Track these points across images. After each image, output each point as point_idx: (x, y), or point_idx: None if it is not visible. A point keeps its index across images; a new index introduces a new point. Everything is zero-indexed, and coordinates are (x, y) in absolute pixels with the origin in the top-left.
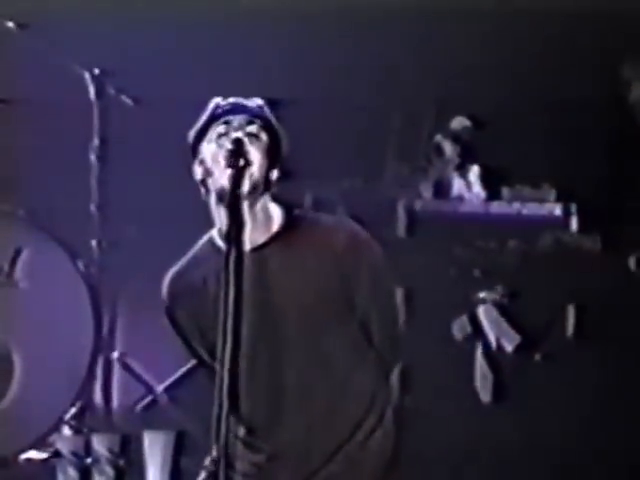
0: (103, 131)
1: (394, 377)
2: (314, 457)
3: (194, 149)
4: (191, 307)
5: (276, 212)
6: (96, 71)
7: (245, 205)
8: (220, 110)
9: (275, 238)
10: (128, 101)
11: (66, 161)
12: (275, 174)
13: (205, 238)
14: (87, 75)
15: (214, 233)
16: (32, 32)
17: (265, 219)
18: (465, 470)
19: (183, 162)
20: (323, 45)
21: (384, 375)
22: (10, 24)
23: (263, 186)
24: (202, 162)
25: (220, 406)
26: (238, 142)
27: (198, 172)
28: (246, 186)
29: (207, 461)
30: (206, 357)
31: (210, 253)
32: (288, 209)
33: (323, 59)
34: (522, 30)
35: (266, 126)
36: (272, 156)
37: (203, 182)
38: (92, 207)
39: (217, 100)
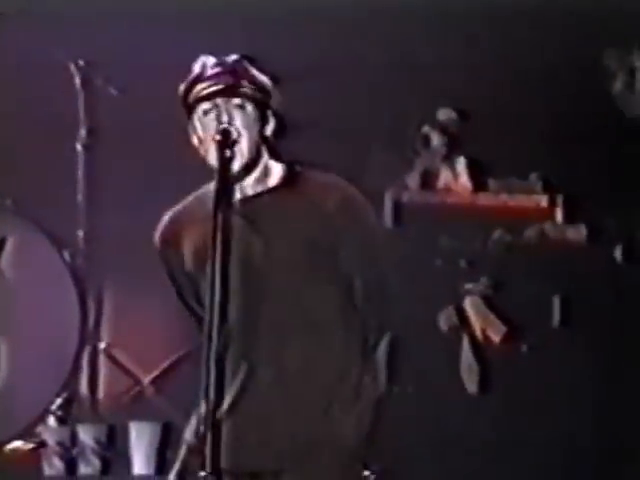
0: (89, 121)
1: (380, 365)
2: (284, 418)
3: (185, 107)
4: (183, 253)
5: (275, 169)
6: (81, 62)
7: (242, 170)
8: (205, 74)
9: (270, 191)
10: (114, 91)
11: (52, 151)
12: (270, 129)
13: (202, 190)
14: (72, 65)
15: (211, 187)
16: (17, 22)
17: (262, 175)
18: (451, 461)
19: (169, 151)
20: (313, 35)
21: (366, 343)
22: None
23: (256, 153)
24: (194, 130)
25: (208, 369)
26: (225, 133)
27: (194, 139)
28: (237, 165)
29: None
30: (201, 312)
31: (206, 200)
32: (289, 166)
33: (313, 48)
34: (508, 24)
35: (250, 83)
36: (262, 121)
37: (200, 143)
38: (78, 197)
39: (203, 59)
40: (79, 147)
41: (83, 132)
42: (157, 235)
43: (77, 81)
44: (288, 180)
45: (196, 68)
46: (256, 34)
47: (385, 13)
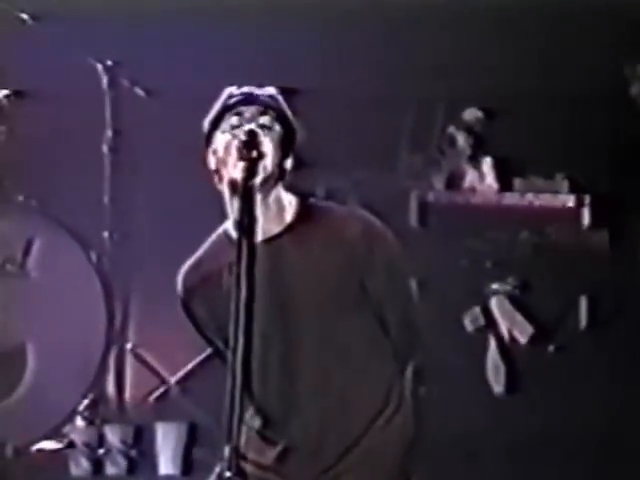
0: (116, 122)
1: (408, 369)
2: (329, 449)
3: (208, 138)
4: (207, 300)
5: (289, 202)
6: (109, 62)
7: (258, 197)
8: (233, 100)
9: (289, 229)
10: (141, 92)
11: (78, 152)
12: (289, 164)
13: (219, 230)
14: (99, 67)
15: (228, 225)
16: (45, 24)
17: (278, 209)
18: (478, 461)
19: (196, 153)
20: (339, 36)
21: (400, 366)
22: (24, 16)
23: (277, 176)
24: (215, 152)
25: (232, 398)
26: (251, 134)
27: (212, 161)
28: (259, 178)
29: (224, 453)
30: (223, 348)
31: (224, 245)
32: (302, 198)
33: (338, 50)
34: (534, 24)
35: (279, 116)
36: (285, 146)
37: (217, 171)
38: (105, 198)
39: (230, 89)
40: (105, 148)
41: (109, 133)
42: (179, 284)
43: (104, 82)
44: (303, 215)
45: (223, 97)
46: (277, 35)
47: (409, 14)
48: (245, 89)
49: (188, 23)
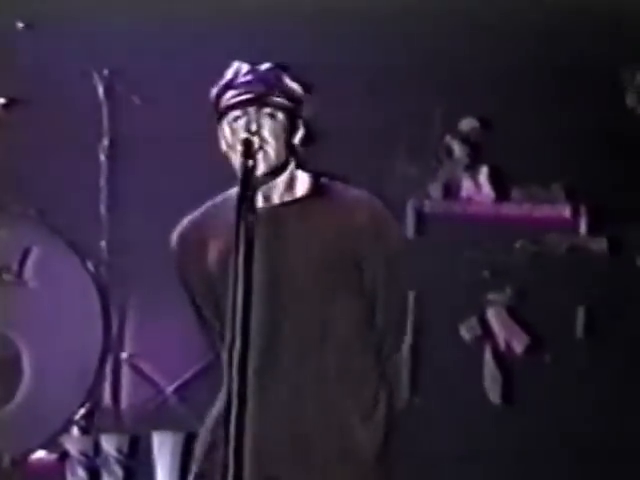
0: (112, 131)
1: (404, 378)
2: (302, 432)
3: (216, 112)
4: (202, 270)
5: (302, 179)
6: (105, 71)
7: (262, 188)
8: (238, 81)
9: (296, 202)
10: (137, 100)
11: (75, 161)
12: (298, 137)
13: (219, 197)
14: (96, 75)
15: (232, 193)
16: (41, 32)
17: (288, 185)
18: (474, 471)
19: (192, 160)
20: (329, 45)
21: (383, 358)
22: (19, 24)
23: (283, 160)
24: (224, 135)
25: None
26: (247, 143)
27: (223, 144)
28: (262, 169)
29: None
30: (210, 316)
31: (228, 207)
32: (316, 177)
33: (330, 58)
34: (530, 32)
35: (282, 94)
36: (291, 129)
37: (229, 148)
38: (102, 207)
39: (237, 65)
40: (102, 157)
41: (106, 142)
42: (175, 237)
43: (101, 90)
44: (315, 191)
45: (229, 74)
46: (278, 46)
47: (405, 23)
48: (248, 70)
49: (185, 31)
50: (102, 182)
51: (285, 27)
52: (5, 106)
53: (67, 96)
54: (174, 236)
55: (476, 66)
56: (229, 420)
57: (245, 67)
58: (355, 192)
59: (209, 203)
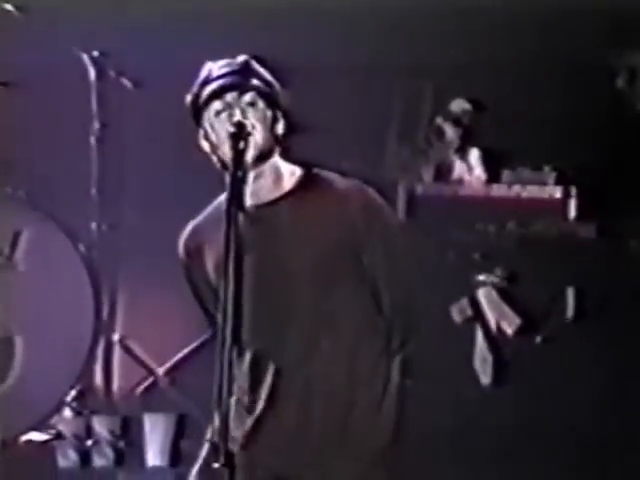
0: (103, 114)
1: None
2: (312, 418)
3: (195, 116)
4: (202, 265)
5: (292, 172)
6: (95, 53)
7: (252, 173)
8: (213, 75)
9: (287, 195)
10: (128, 83)
11: (66, 143)
12: (281, 128)
13: (221, 198)
14: (86, 57)
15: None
16: (31, 14)
17: (275, 178)
18: (464, 452)
19: (183, 144)
20: (322, 30)
21: (393, 349)
22: (8, 6)
23: (270, 148)
24: (206, 136)
25: (221, 364)
26: (239, 125)
27: (205, 146)
28: (250, 155)
29: (209, 433)
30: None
31: (222, 212)
32: (306, 167)
33: (322, 43)
34: (522, 16)
35: (260, 82)
36: (272, 117)
37: (213, 152)
38: (92, 190)
39: (210, 64)
40: (93, 140)
41: (97, 124)
42: (180, 247)
43: (91, 73)
44: (305, 183)
45: (202, 73)
46: (264, 33)
47: (399, 6)
48: (223, 65)
49: (174, 13)
50: (92, 165)
51: (275, 10)
52: None
53: (57, 79)
54: (180, 242)
55: (467, 48)
56: (221, 404)
57: (218, 63)
58: (344, 181)
59: (209, 208)
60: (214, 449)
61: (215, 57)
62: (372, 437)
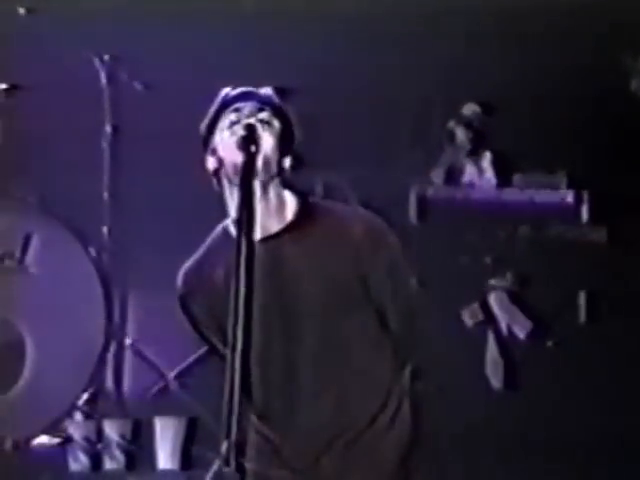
0: (115, 117)
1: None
2: (328, 448)
3: (205, 141)
4: (207, 300)
5: (290, 200)
6: (106, 57)
7: (258, 190)
8: (229, 98)
9: (290, 227)
10: (139, 87)
11: (78, 147)
12: (288, 161)
13: (219, 228)
14: (97, 61)
15: (228, 222)
16: (42, 17)
17: (279, 206)
18: (475, 456)
19: (195, 148)
20: (333, 33)
21: (400, 365)
22: (21, 10)
23: (276, 171)
24: (214, 151)
25: (231, 394)
26: (250, 128)
27: (210, 162)
28: (258, 169)
29: (222, 448)
30: (222, 349)
31: (224, 243)
32: (303, 197)
33: (334, 47)
34: (532, 17)
35: (277, 113)
36: (284, 142)
37: (216, 173)
38: (103, 194)
39: (226, 89)
40: (104, 143)
41: (108, 129)
42: (178, 284)
43: (102, 77)
44: (304, 213)
45: (220, 97)
46: (278, 24)
47: (409, 10)
48: (241, 89)
49: (186, 17)
50: (104, 168)
51: (286, 9)
52: (7, 91)
53: (69, 82)
54: (179, 275)
55: (478, 52)
56: (231, 411)
57: (234, 91)
58: (344, 208)
59: (206, 243)
60: (226, 455)
61: (227, 63)
62: (389, 452)
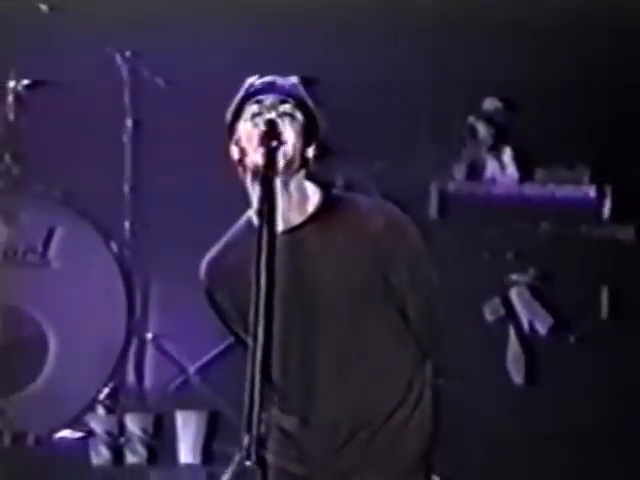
0: (136, 112)
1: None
2: (347, 440)
3: (230, 129)
4: (230, 289)
5: (312, 192)
6: (128, 53)
7: (279, 183)
8: (253, 89)
9: (312, 219)
10: (161, 82)
11: (100, 143)
12: (311, 152)
13: (243, 219)
14: (119, 57)
15: (251, 214)
16: (65, 14)
17: (301, 199)
18: (497, 451)
19: (216, 142)
20: (356, 27)
21: (421, 358)
22: (43, 7)
23: (299, 164)
24: (238, 142)
25: (252, 386)
26: (271, 123)
27: (235, 152)
28: (280, 164)
29: (244, 442)
30: (245, 337)
31: (247, 234)
32: (326, 189)
33: (356, 41)
34: (553, 12)
35: (300, 104)
36: (307, 134)
37: (240, 161)
38: (125, 188)
39: (251, 79)
40: (126, 138)
41: (130, 123)
42: (202, 274)
43: (124, 72)
44: (326, 205)
45: (244, 87)
46: (293, 23)
47: (430, 5)
48: (266, 78)
49: (207, 13)
50: (125, 163)
51: (302, 11)
52: (29, 87)
53: (91, 78)
54: (202, 265)
55: (498, 47)
56: (252, 406)
57: (259, 81)
58: (366, 201)
59: (229, 233)
60: (247, 449)
61: (248, 58)
62: (409, 444)
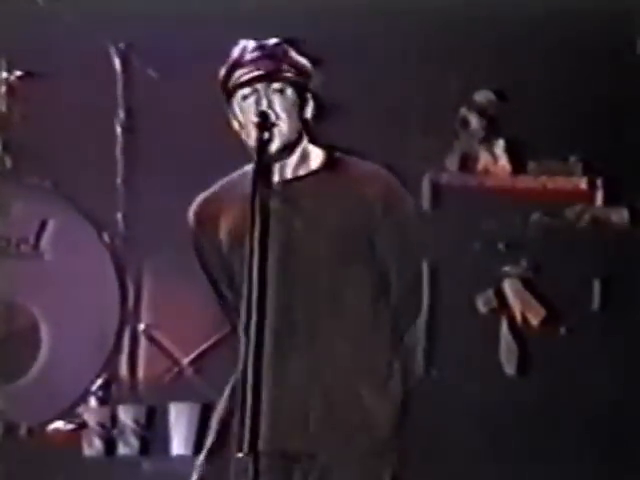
0: (128, 104)
1: (419, 351)
2: (317, 403)
3: (226, 93)
4: (216, 235)
5: (315, 153)
6: (121, 44)
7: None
8: (245, 59)
9: (312, 175)
10: (153, 74)
11: (92, 134)
12: (310, 111)
13: (243, 169)
14: (112, 48)
15: (248, 168)
16: (57, 5)
17: (302, 157)
18: (489, 442)
19: (207, 133)
20: (350, 20)
21: (399, 332)
22: None
23: (296, 135)
24: (235, 117)
25: (244, 380)
26: (263, 115)
27: (235, 124)
28: (275, 145)
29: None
30: (226, 289)
31: (242, 180)
32: (329, 150)
33: (352, 33)
34: (546, 2)
35: (293, 70)
36: (301, 104)
37: (241, 130)
38: (117, 179)
39: (243, 43)
40: (118, 129)
41: (122, 114)
42: (191, 215)
43: (116, 63)
44: (328, 165)
45: (235, 52)
46: (293, 17)
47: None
48: (255, 44)
49: (201, 5)
50: (118, 154)
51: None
52: (22, 78)
53: (83, 69)
54: (190, 214)
55: (490, 38)
56: (245, 395)
57: (252, 44)
58: (368, 165)
59: (225, 179)
60: (239, 438)
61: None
62: (379, 423)
